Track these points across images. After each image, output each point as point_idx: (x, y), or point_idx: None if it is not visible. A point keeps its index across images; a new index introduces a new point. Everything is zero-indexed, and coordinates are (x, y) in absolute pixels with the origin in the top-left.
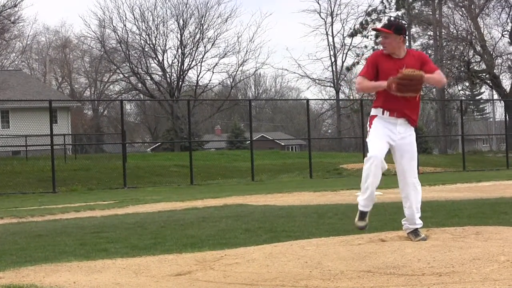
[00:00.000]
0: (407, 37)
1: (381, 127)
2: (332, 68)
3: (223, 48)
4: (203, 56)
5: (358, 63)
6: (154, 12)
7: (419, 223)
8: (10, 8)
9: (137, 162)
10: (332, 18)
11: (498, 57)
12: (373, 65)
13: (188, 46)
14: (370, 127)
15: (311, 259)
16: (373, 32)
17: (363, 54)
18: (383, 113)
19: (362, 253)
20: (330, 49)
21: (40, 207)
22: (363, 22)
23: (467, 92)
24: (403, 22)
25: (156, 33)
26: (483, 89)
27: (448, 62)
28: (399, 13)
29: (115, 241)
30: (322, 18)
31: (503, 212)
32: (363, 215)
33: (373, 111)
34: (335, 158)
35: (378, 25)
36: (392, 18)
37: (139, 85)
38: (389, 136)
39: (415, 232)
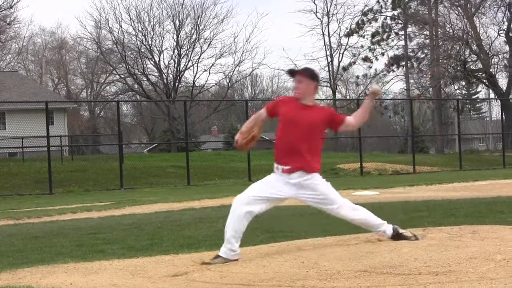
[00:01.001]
0: (318, 88)
1: (272, 180)
2: (329, 68)
3: (220, 49)
4: (200, 57)
5: (354, 63)
6: (150, 13)
7: (383, 228)
8: (6, 10)
9: (133, 163)
10: (328, 18)
11: (494, 56)
12: (275, 105)
13: (184, 47)
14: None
15: (308, 259)
16: (369, 32)
17: (359, 54)
18: (277, 169)
19: (358, 252)
20: (327, 49)
21: (36, 208)
22: (360, 22)
23: (463, 91)
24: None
25: (152, 34)
26: (479, 88)
27: (445, 61)
28: (395, 12)
29: (111, 242)
30: (318, 18)
31: (499, 211)
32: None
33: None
34: (332, 158)
35: (294, 67)
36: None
37: (136, 86)
38: (276, 193)
39: (397, 235)
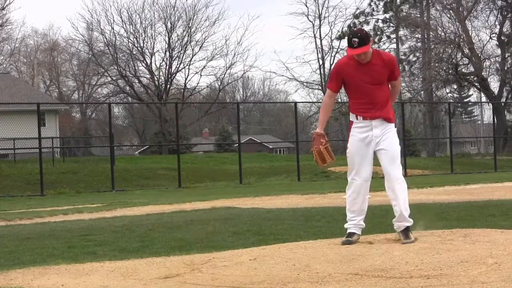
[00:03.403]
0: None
1: (358, 143)
2: (320, 71)
3: (211, 51)
4: (191, 59)
5: None
6: (142, 15)
7: (408, 221)
8: None
9: (125, 165)
10: (320, 20)
11: (486, 60)
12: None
13: (176, 49)
14: (349, 136)
15: (299, 262)
16: None
17: None
18: (357, 118)
19: (350, 255)
20: (318, 51)
21: (28, 210)
22: (351, 25)
23: (455, 95)
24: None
25: (144, 36)
26: (471, 92)
27: (436, 64)
28: (387, 15)
29: (103, 244)
30: (310, 21)
31: (491, 214)
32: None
33: (350, 116)
34: None
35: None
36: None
37: (127, 88)
38: (367, 148)
39: (405, 233)
